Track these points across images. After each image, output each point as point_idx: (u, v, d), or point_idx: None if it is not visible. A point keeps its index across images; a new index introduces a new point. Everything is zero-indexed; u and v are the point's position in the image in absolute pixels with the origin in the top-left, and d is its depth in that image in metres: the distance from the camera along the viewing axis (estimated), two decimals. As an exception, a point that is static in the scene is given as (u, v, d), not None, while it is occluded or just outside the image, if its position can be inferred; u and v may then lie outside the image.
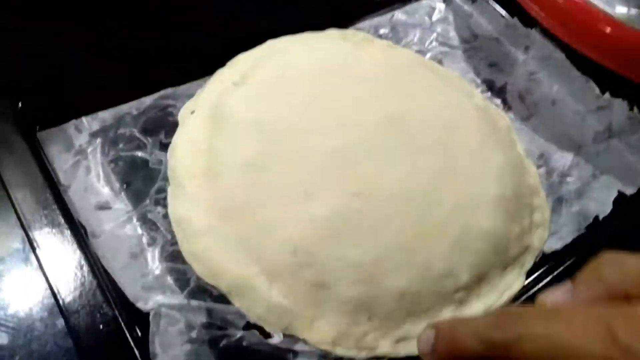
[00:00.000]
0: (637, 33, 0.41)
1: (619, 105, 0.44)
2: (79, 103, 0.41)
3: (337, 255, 0.33)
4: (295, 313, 0.33)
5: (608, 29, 0.41)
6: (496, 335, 0.19)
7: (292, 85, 0.40)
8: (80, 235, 0.33)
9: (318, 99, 0.40)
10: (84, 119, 0.40)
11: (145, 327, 0.31)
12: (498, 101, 0.48)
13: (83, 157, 0.39)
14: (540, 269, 0.38)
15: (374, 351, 0.33)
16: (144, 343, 0.31)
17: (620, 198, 0.42)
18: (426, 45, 0.51)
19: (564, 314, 0.18)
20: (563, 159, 0.44)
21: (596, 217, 0.41)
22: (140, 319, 0.32)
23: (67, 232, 0.33)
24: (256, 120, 0.38)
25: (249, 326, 0.33)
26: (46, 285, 0.31)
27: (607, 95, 0.45)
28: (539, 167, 0.44)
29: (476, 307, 0.35)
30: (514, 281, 0.37)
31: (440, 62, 0.49)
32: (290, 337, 0.33)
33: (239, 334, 0.32)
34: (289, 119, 0.38)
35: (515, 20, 0.49)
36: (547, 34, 0.47)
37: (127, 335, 0.30)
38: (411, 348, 0.33)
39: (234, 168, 0.36)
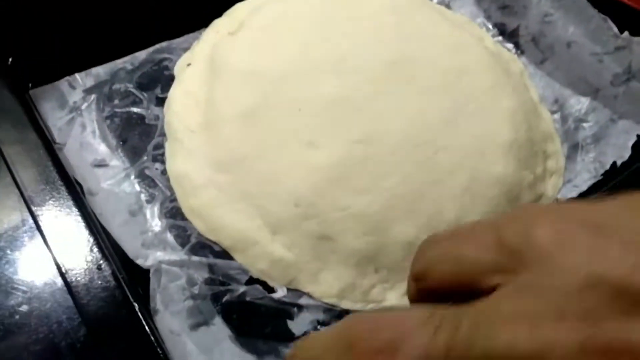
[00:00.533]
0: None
1: (639, 45, 0.41)
2: (72, 59, 0.39)
3: (342, 206, 0.32)
4: (299, 266, 0.32)
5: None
6: (413, 268, 0.18)
7: (291, 31, 0.38)
8: (77, 193, 0.33)
9: (318, 44, 0.38)
10: (77, 76, 0.39)
11: (146, 284, 0.31)
12: (510, 45, 0.45)
13: (78, 114, 0.37)
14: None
15: (381, 304, 0.32)
16: (145, 300, 0.30)
17: (640, 143, 0.40)
18: (433, -12, 0.48)
19: (465, 228, 0.17)
20: (579, 103, 0.42)
21: (614, 163, 0.39)
22: (140, 276, 0.31)
23: (63, 190, 0.32)
24: (253, 68, 0.36)
25: (251, 281, 0.32)
26: (44, 245, 0.30)
27: (626, 34, 0.42)
28: (553, 112, 0.41)
29: (487, 257, 0.34)
30: (527, 230, 0.35)
31: (448, 5, 0.47)
32: (294, 291, 0.32)
33: (242, 289, 0.32)
34: (288, 66, 0.36)
35: (528, -43, 0.46)
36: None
37: (127, 292, 0.29)
38: (420, 299, 0.32)
39: (231, 119, 0.35)
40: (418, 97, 0.36)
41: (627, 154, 0.39)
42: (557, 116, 0.41)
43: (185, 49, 0.41)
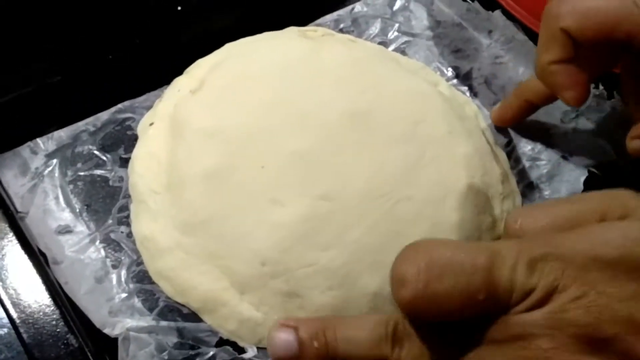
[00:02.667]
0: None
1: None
2: (33, 123, 0.39)
3: (307, 262, 0.33)
4: (268, 325, 0.32)
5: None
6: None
7: (251, 88, 0.39)
8: (40, 264, 0.32)
9: (279, 100, 0.38)
10: (38, 140, 0.39)
11: (115, 355, 0.31)
12: (464, 88, 0.47)
13: (40, 180, 0.37)
14: (514, 257, 0.37)
15: (351, 357, 0.32)
16: (114, 370, 0.30)
17: (592, 178, 0.42)
18: (388, 36, 0.50)
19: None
20: (532, 142, 0.44)
21: (568, 200, 0.40)
22: (109, 346, 0.31)
23: (27, 262, 0.32)
24: (215, 127, 0.37)
25: (222, 342, 0.32)
26: (7, 320, 0.30)
27: (571, 74, 0.44)
28: (508, 153, 0.43)
29: (452, 302, 0.35)
30: (489, 272, 0.36)
31: (403, 52, 0.49)
32: (264, 350, 0.32)
33: (212, 351, 0.32)
34: (249, 124, 0.37)
35: (476, 3, 0.49)
36: (508, 15, 0.47)
37: (95, 364, 0.29)
38: (389, 350, 0.33)
39: (195, 180, 0.35)
40: (378, 148, 0.37)
41: (579, 189, 0.41)
42: (512, 156, 0.43)
43: (148, 108, 0.41)
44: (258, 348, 0.32)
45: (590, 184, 0.41)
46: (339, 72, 0.41)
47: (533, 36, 0.45)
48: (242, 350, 0.32)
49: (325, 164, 0.36)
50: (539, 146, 0.44)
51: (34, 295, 0.31)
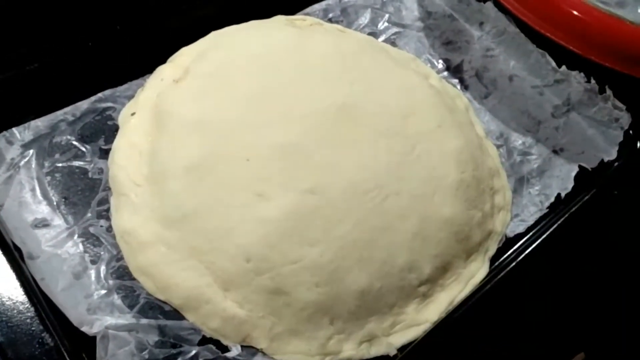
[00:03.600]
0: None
1: (576, 78, 0.43)
2: (8, 112, 0.38)
3: (294, 258, 0.32)
4: (252, 323, 0.31)
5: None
6: None
7: (236, 78, 0.38)
8: (14, 259, 0.31)
9: (264, 91, 0.37)
10: (14, 130, 0.37)
11: (93, 354, 0.29)
12: (455, 80, 0.46)
13: (16, 171, 0.36)
14: (504, 254, 0.37)
15: (338, 356, 0.32)
16: (92, 369, 0.29)
17: (582, 173, 0.41)
18: (378, 26, 0.49)
19: None
20: (523, 136, 0.43)
21: (558, 195, 0.40)
22: (86, 345, 0.30)
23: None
24: (199, 118, 0.36)
25: (204, 341, 0.31)
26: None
27: (563, 68, 0.43)
28: (499, 147, 0.42)
29: (442, 298, 0.34)
30: (479, 269, 0.36)
31: (393, 43, 0.48)
32: (248, 348, 0.31)
33: (194, 350, 0.31)
34: (234, 115, 0.36)
35: (468, -5, 0.48)
36: (500, 7, 0.46)
37: (71, 364, 0.28)
38: (377, 349, 0.32)
39: (178, 172, 0.34)
40: (366, 142, 0.36)
41: (570, 185, 0.41)
42: (502, 150, 0.42)
43: (130, 97, 0.40)
44: (242, 346, 0.31)
45: (580, 179, 0.41)
46: (326, 63, 0.40)
47: (524, 28, 0.45)
48: (225, 349, 0.31)
49: (311, 158, 0.35)
50: (529, 140, 0.43)
51: (7, 292, 0.29)
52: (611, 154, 0.42)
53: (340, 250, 0.32)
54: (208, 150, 0.35)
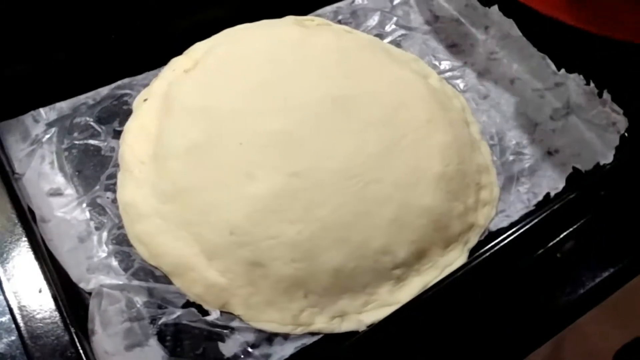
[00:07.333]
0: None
1: (575, 81, 0.43)
2: (38, 94, 0.42)
3: (273, 234, 0.34)
4: (232, 291, 0.34)
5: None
6: None
7: (240, 70, 0.41)
8: (27, 221, 0.35)
9: (266, 83, 0.40)
10: (41, 110, 0.42)
11: (86, 308, 0.33)
12: (457, 82, 0.48)
13: (39, 145, 0.40)
14: (485, 246, 0.38)
15: (309, 327, 0.34)
16: (84, 322, 0.32)
17: (575, 174, 0.42)
18: (386, 28, 0.51)
19: None
20: (518, 137, 0.44)
21: (547, 194, 0.40)
22: (83, 299, 0.33)
23: (14, 217, 0.34)
24: (203, 105, 0.39)
25: (188, 305, 0.34)
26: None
27: (562, 71, 0.44)
28: (493, 145, 0.43)
29: (416, 282, 0.36)
30: (456, 258, 0.37)
31: (399, 44, 0.50)
32: (227, 314, 0.34)
33: (178, 312, 0.33)
34: (235, 103, 0.39)
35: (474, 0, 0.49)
36: (505, 10, 0.47)
37: (65, 314, 0.31)
38: (347, 324, 0.34)
39: (178, 153, 0.37)
40: (356, 132, 0.38)
41: (561, 185, 0.41)
42: (496, 149, 0.43)
43: (145, 85, 0.44)
44: (221, 312, 0.34)
45: (573, 181, 0.41)
46: (325, 58, 0.42)
47: (527, 31, 0.46)
48: (206, 313, 0.34)
49: (302, 144, 0.37)
50: (525, 141, 0.44)
51: (17, 247, 0.33)
52: (608, 158, 0.42)
53: (318, 230, 0.34)
54: (207, 134, 0.38)
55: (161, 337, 0.33)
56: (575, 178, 0.41)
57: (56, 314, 0.31)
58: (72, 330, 0.30)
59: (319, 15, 0.50)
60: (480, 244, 0.38)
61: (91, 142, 0.41)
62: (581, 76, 0.43)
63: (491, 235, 0.39)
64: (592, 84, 0.43)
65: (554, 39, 0.46)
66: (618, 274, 0.36)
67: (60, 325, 0.30)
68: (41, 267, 0.32)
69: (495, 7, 0.48)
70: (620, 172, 0.40)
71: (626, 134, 0.41)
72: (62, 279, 0.33)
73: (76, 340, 0.30)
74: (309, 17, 0.49)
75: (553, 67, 0.45)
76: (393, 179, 0.36)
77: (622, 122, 0.42)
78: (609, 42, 0.44)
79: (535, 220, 0.37)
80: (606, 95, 0.42)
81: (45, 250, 0.34)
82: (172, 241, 0.35)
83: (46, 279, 0.32)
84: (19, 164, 0.39)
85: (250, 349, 0.33)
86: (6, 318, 0.31)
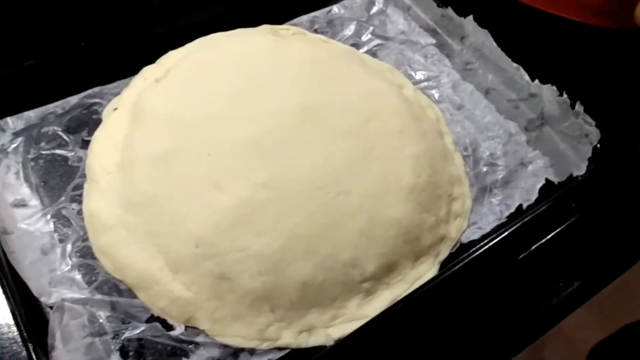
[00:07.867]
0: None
1: (549, 91, 0.44)
2: (5, 104, 0.41)
3: (240, 247, 0.33)
4: (197, 305, 0.33)
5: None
6: None
7: (211, 79, 0.40)
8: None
9: (237, 92, 0.40)
10: (8, 119, 0.41)
11: (47, 324, 0.32)
12: (432, 92, 0.47)
13: (4, 155, 0.39)
14: (457, 258, 0.37)
15: (276, 342, 0.33)
16: (43, 337, 0.31)
17: (548, 186, 0.41)
18: (362, 38, 0.50)
19: None
20: (492, 148, 0.44)
21: (520, 206, 0.40)
22: (45, 315, 0.32)
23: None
24: (171, 114, 0.38)
25: (152, 319, 0.33)
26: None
27: (536, 82, 0.44)
28: (466, 157, 0.43)
29: (385, 296, 0.35)
30: (427, 271, 0.36)
31: (374, 54, 0.49)
32: (192, 328, 0.33)
33: (142, 327, 0.33)
34: (204, 112, 0.38)
35: (450, 10, 0.49)
36: (480, 21, 0.47)
37: (23, 329, 0.30)
38: (315, 339, 0.33)
39: (145, 163, 0.37)
40: (326, 142, 0.38)
41: (534, 197, 0.41)
42: (469, 160, 0.43)
43: (116, 94, 0.43)
44: (186, 327, 0.33)
45: (546, 192, 0.41)
46: (298, 67, 0.42)
47: (501, 42, 0.46)
48: (170, 328, 0.33)
49: (270, 154, 0.36)
50: (498, 152, 0.44)
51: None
52: (581, 169, 0.42)
53: (286, 242, 0.34)
54: (175, 144, 0.37)
55: (123, 352, 0.32)
56: (548, 189, 0.41)
57: (14, 329, 0.30)
58: (31, 346, 0.30)
59: (295, 25, 0.50)
60: (452, 257, 0.38)
61: (58, 152, 0.40)
62: (554, 87, 0.43)
63: (463, 248, 0.38)
64: (564, 95, 0.43)
65: (528, 49, 0.46)
66: (588, 285, 0.36)
67: (17, 340, 0.30)
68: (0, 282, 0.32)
69: (471, 18, 0.48)
70: (592, 183, 0.40)
71: (598, 146, 0.41)
72: (23, 293, 0.32)
73: (34, 356, 0.30)
74: (284, 26, 0.49)
75: (527, 77, 0.45)
76: (363, 190, 0.36)
77: (595, 134, 0.42)
78: (582, 52, 0.44)
79: (506, 233, 0.37)
80: (579, 107, 0.42)
81: (6, 263, 0.33)
82: (136, 253, 0.34)
83: (5, 293, 0.31)
84: (-17, 175, 0.38)
85: (215, 365, 0.32)
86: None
